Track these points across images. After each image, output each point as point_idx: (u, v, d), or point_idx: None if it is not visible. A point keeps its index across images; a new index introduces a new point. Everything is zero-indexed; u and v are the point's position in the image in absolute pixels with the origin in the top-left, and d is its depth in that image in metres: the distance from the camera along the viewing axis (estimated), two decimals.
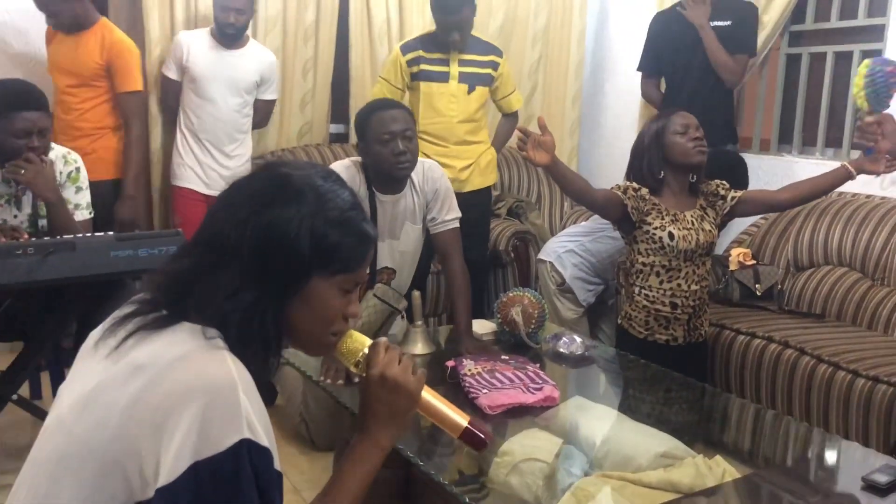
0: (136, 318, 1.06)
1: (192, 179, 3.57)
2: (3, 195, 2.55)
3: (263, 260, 1.05)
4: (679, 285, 2.55)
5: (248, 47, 3.59)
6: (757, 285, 3.16)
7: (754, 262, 3.23)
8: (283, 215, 1.07)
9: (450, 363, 2.25)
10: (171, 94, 3.63)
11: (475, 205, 2.85)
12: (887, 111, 2.29)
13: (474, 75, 3.46)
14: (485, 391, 2.08)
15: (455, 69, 3.43)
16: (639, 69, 3.88)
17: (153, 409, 0.96)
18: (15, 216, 2.58)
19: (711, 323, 2.81)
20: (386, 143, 2.40)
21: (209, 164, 3.56)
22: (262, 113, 3.74)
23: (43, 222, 2.59)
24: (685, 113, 2.57)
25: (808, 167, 3.41)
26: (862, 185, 3.34)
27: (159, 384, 0.97)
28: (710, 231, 2.56)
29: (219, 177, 3.54)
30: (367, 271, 1.17)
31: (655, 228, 2.52)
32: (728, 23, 3.49)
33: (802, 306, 3.16)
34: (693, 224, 2.54)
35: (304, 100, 4.15)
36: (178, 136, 3.60)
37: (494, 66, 3.51)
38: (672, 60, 3.63)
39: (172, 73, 3.60)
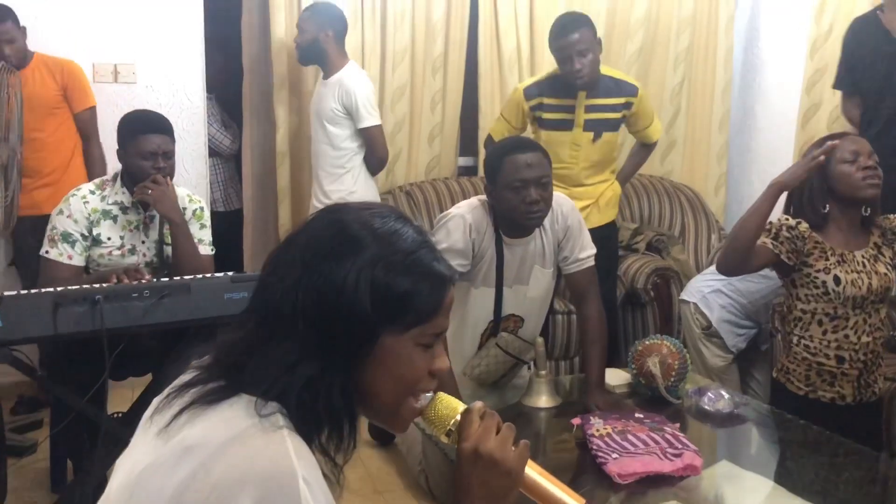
0: (193, 389, 0.94)
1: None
2: (132, 221, 2.61)
3: (321, 325, 0.91)
4: (846, 336, 2.19)
5: (337, 74, 3.39)
6: None
7: None
8: (336, 270, 0.92)
9: (575, 420, 2.03)
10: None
11: (597, 242, 2.59)
12: None
13: (602, 122, 3.14)
14: (615, 456, 1.84)
15: (581, 116, 3.12)
16: (835, 87, 3.37)
17: (202, 501, 0.83)
18: (143, 241, 2.63)
19: (887, 378, 2.42)
20: (518, 191, 2.16)
21: (313, 202, 3.51)
22: (367, 145, 3.42)
23: (168, 250, 2.63)
24: (855, 137, 2.24)
25: None
26: None
27: (209, 472, 0.85)
28: (885, 274, 2.20)
29: (315, 209, 3.49)
30: (448, 318, 0.98)
31: (818, 271, 2.19)
32: None
33: None
34: (864, 266, 2.18)
35: (432, 133, 4.06)
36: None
37: (629, 106, 3.18)
38: (868, 76, 3.13)
39: None
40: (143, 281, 2.34)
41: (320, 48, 3.41)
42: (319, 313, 0.91)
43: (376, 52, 3.87)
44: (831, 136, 2.27)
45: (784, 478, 1.93)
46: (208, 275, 2.43)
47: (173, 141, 2.61)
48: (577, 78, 3.02)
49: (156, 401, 1.02)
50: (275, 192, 3.84)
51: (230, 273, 2.53)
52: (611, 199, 3.31)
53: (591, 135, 3.14)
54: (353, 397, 0.93)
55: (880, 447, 2.27)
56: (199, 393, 0.92)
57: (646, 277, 3.51)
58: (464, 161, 4.25)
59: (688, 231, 4.14)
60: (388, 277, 0.92)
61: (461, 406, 1.03)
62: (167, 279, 2.35)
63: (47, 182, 3.26)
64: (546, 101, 3.15)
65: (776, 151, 4.22)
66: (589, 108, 3.12)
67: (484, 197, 2.34)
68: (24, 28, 3.23)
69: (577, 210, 2.40)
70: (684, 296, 3.19)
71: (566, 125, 3.14)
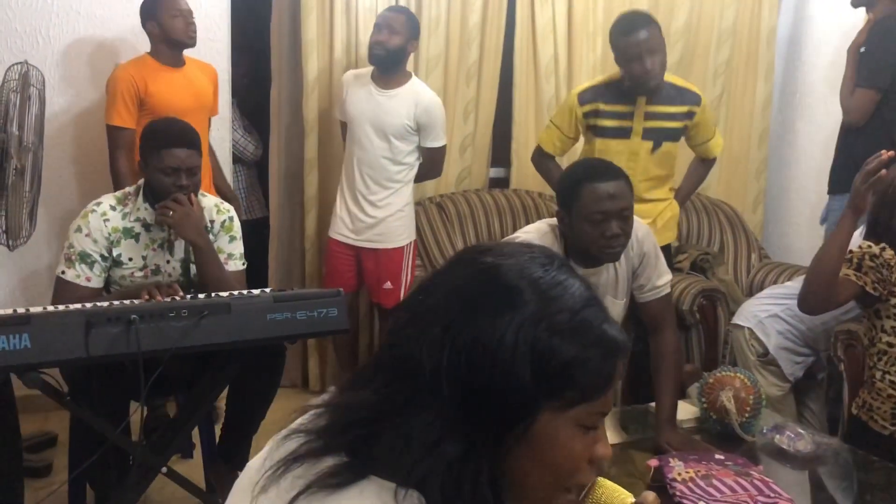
0: (307, 463, 0.77)
1: (340, 229, 3.36)
2: (156, 240, 2.44)
3: (471, 394, 0.75)
4: None
5: (406, 87, 3.25)
6: None
7: None
8: (492, 328, 0.75)
9: (652, 462, 1.86)
10: (343, 137, 3.43)
11: None
12: None
13: (662, 131, 2.96)
14: (702, 503, 1.68)
15: (639, 124, 2.94)
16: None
17: None
18: (168, 261, 2.46)
19: None
20: (597, 224, 1.97)
21: (356, 213, 3.31)
22: (429, 162, 3.36)
23: (196, 268, 2.46)
24: None
25: None
26: None
27: None
28: None
29: (365, 227, 3.31)
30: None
31: None
32: (862, 49, 3.03)
33: None
34: None
35: (464, 143, 3.91)
36: (339, 182, 3.40)
37: (690, 116, 2.99)
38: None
39: (338, 114, 3.44)
40: (178, 298, 2.18)
41: (403, 56, 3.26)
42: (469, 379, 0.74)
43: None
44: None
45: None
46: (247, 292, 2.28)
47: (200, 155, 2.43)
48: (648, 79, 2.84)
49: (253, 465, 0.86)
50: (302, 201, 3.68)
51: (271, 290, 2.37)
52: (670, 219, 3.13)
53: (650, 144, 2.95)
54: (501, 483, 0.77)
55: None
56: (317, 472, 0.75)
57: (692, 299, 3.35)
58: (495, 172, 4.10)
59: (727, 249, 3.99)
60: (553, 341, 0.76)
61: (629, 497, 0.87)
62: (205, 296, 2.19)
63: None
64: (602, 107, 2.96)
65: (817, 169, 4.07)
66: (648, 116, 2.93)
67: (553, 221, 2.15)
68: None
69: (652, 235, 2.22)
70: (738, 320, 3.03)
71: (624, 133, 2.95)
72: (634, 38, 2.82)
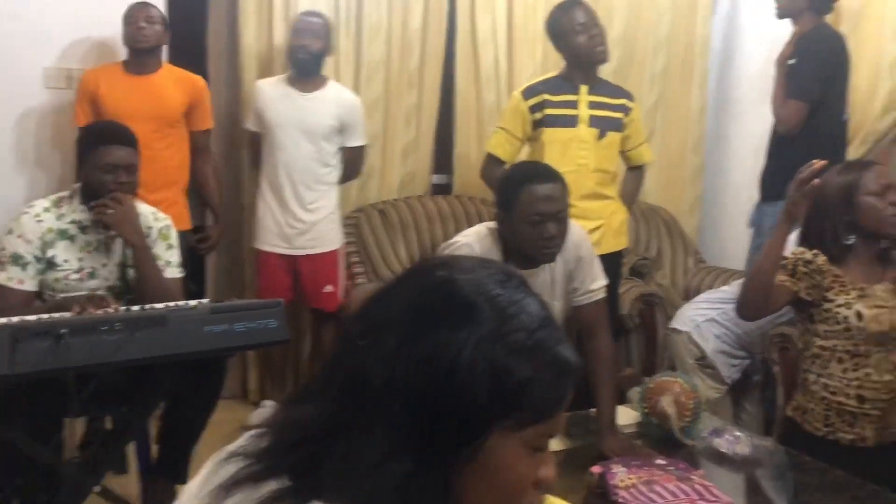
0: (247, 489, 0.74)
1: (271, 240, 3.32)
2: (92, 242, 2.39)
3: (423, 411, 0.73)
4: (868, 375, 2.10)
5: (327, 89, 3.30)
6: None
7: None
8: (449, 343, 0.74)
9: (596, 469, 1.87)
10: (255, 148, 3.39)
11: (605, 271, 2.47)
12: None
13: (605, 119, 3.08)
14: None
15: (585, 112, 3.04)
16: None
17: None
18: (104, 264, 2.41)
19: None
20: (535, 225, 2.01)
21: (288, 220, 3.29)
22: (351, 162, 3.41)
23: (132, 273, 2.42)
24: (883, 168, 2.15)
25: None
26: None
27: None
28: None
29: (299, 233, 3.29)
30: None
31: (839, 306, 2.09)
32: (793, 61, 3.18)
33: None
34: (886, 301, 2.10)
35: (406, 149, 3.90)
36: (258, 193, 3.36)
37: (626, 110, 3.12)
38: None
39: (250, 124, 3.38)
40: (111, 310, 2.11)
41: (324, 59, 3.29)
42: (422, 394, 0.73)
43: (350, 64, 3.70)
44: (858, 163, 2.19)
45: None
46: (183, 303, 2.22)
47: (137, 154, 2.40)
48: (594, 46, 3.00)
49: (192, 488, 0.82)
50: (241, 208, 3.61)
51: (208, 301, 2.32)
52: (622, 222, 3.20)
53: (596, 131, 3.05)
54: None
55: None
56: (258, 499, 0.72)
57: (631, 303, 3.41)
58: (438, 179, 4.10)
59: (664, 255, 4.06)
60: (510, 360, 0.74)
61: None
62: (139, 309, 2.12)
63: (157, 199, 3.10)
64: (548, 97, 3.05)
65: (749, 175, 4.18)
66: (592, 105, 3.05)
67: (492, 224, 2.18)
68: (168, 33, 3.21)
69: (588, 240, 2.26)
70: (676, 325, 3.09)
71: (570, 121, 3.05)
72: (573, 13, 2.99)
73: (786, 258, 2.14)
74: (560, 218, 2.03)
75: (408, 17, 3.75)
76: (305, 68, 3.25)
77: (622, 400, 2.34)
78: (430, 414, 0.73)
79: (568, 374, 0.79)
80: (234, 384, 3.68)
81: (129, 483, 2.68)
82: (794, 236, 2.36)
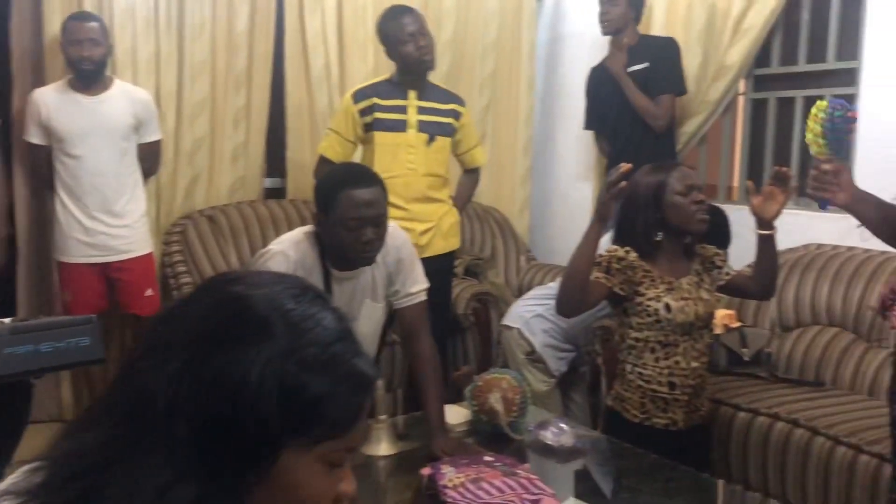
0: None
1: (80, 251, 3.13)
2: None
3: (208, 432, 0.70)
4: (677, 362, 2.25)
5: (115, 88, 3.17)
6: (744, 349, 2.91)
7: (740, 323, 2.98)
8: (237, 361, 0.71)
9: (425, 471, 1.89)
10: (40, 161, 3.18)
11: (437, 272, 2.52)
12: (842, 160, 2.03)
13: (435, 124, 3.13)
14: None
15: (413, 117, 3.08)
16: (585, 128, 3.85)
17: None
18: None
19: (711, 400, 2.53)
20: (353, 230, 2.00)
21: (97, 228, 3.12)
22: (149, 158, 3.30)
23: None
24: (687, 170, 2.30)
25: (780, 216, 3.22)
26: (840, 236, 3.17)
27: None
28: (707, 300, 2.28)
29: (111, 238, 3.15)
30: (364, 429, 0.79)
31: (650, 300, 2.23)
32: (645, 65, 3.42)
33: (794, 371, 2.92)
34: (690, 293, 2.25)
35: (235, 152, 3.78)
36: (57, 205, 3.14)
37: (456, 115, 3.19)
38: (607, 114, 3.59)
39: (36, 138, 3.14)
40: None
41: (107, 62, 3.15)
42: (208, 415, 0.69)
43: (172, 65, 3.54)
44: (665, 165, 2.33)
45: None
46: None
47: None
48: (423, 55, 3.02)
49: None
50: (51, 220, 3.36)
51: (9, 320, 2.13)
52: (453, 224, 3.26)
53: (425, 136, 3.10)
54: None
55: (709, 466, 2.36)
56: None
57: (466, 302, 3.47)
58: (270, 182, 4.00)
59: (498, 254, 4.17)
60: (302, 376, 0.72)
61: None
62: None
63: None
64: (378, 101, 3.07)
65: (574, 176, 4.39)
66: (421, 110, 3.10)
67: (308, 228, 2.16)
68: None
69: (410, 243, 2.27)
70: (507, 321, 3.18)
71: (400, 126, 3.08)
72: (403, 21, 3.01)
73: (600, 256, 2.24)
74: (379, 222, 2.04)
75: (233, 17, 3.64)
76: (91, 77, 3.11)
77: (459, 398, 2.38)
78: (216, 435, 0.70)
79: (365, 387, 0.78)
80: (49, 405, 3.43)
81: None
82: (609, 235, 2.50)
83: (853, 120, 1.96)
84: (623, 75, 3.44)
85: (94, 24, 3.08)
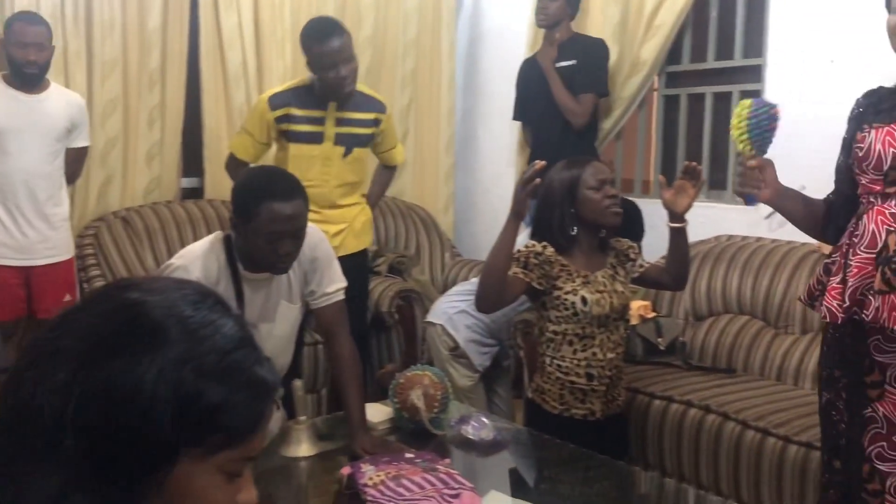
0: None
1: (3, 253, 3.01)
2: None
3: (99, 444, 0.68)
4: (594, 354, 2.30)
5: (53, 89, 3.09)
6: (659, 339, 2.99)
7: (655, 314, 3.06)
8: (130, 370, 0.69)
9: (345, 470, 1.88)
10: None
11: (351, 270, 2.50)
12: (767, 156, 2.10)
13: (353, 137, 3.03)
14: None
15: (331, 129, 2.98)
16: (514, 118, 3.87)
17: None
18: None
19: (627, 389, 2.60)
20: (271, 242, 1.95)
21: (23, 230, 3.01)
22: (75, 163, 3.22)
23: None
24: (600, 165, 2.34)
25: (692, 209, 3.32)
26: (749, 227, 3.29)
27: None
28: (622, 293, 2.34)
29: (37, 242, 3.04)
30: (264, 437, 0.78)
31: (567, 293, 2.27)
32: (573, 62, 3.47)
33: (707, 359, 3.02)
34: (605, 286, 2.30)
35: (150, 152, 3.68)
36: None
37: (377, 123, 3.09)
38: (534, 107, 3.62)
39: None
40: None
41: (50, 64, 3.05)
42: (99, 427, 0.67)
43: (81, 63, 3.43)
44: (579, 160, 2.37)
45: (546, 498, 1.95)
46: None
47: None
48: (343, 86, 2.89)
49: None
50: None
51: None
52: (365, 223, 3.21)
53: (342, 149, 3.01)
54: None
55: (627, 453, 2.42)
56: None
57: (390, 300, 3.47)
58: (188, 182, 3.92)
59: (423, 251, 4.18)
60: (199, 384, 0.71)
61: None
62: None
63: None
64: (294, 111, 2.96)
65: (497, 173, 4.43)
66: (340, 122, 2.99)
67: (217, 235, 2.10)
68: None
69: (326, 242, 2.24)
70: (430, 318, 3.19)
71: (316, 138, 2.98)
72: (329, 47, 2.85)
73: (518, 251, 2.27)
74: (299, 235, 2.00)
75: (144, 13, 3.55)
76: (33, 80, 3.01)
77: (385, 396, 2.38)
78: (109, 446, 0.68)
79: (265, 395, 0.77)
80: None
81: None
82: (527, 232, 2.54)
83: (776, 118, 2.00)
84: (550, 70, 3.47)
85: (41, 29, 3.00)
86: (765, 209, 3.12)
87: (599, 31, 3.69)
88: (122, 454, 0.68)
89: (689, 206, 2.29)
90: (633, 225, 2.92)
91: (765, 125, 1.98)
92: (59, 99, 3.09)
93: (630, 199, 3.43)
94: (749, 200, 2.03)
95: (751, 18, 3.47)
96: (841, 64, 3.05)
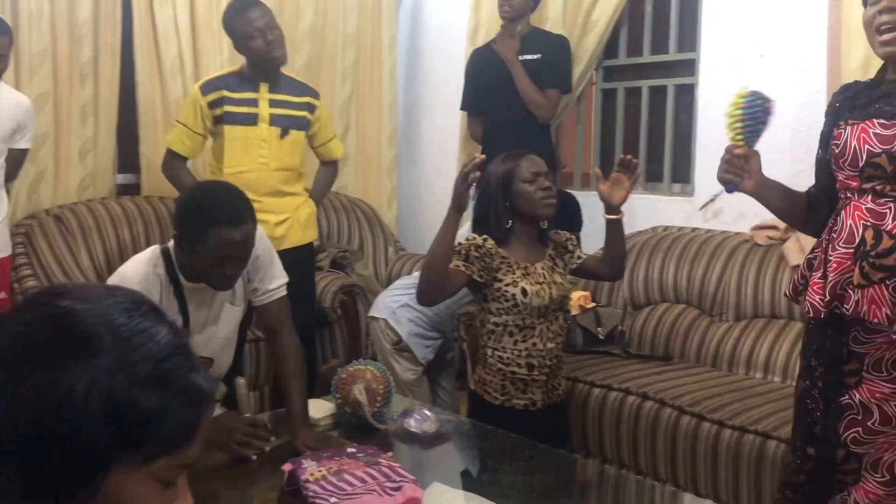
0: None
1: None
2: None
3: (29, 455, 0.67)
4: (534, 344, 2.33)
5: (2, 91, 3.01)
6: (599, 328, 3.04)
7: (594, 304, 3.11)
8: (61, 379, 0.68)
9: (286, 467, 1.87)
10: None
11: (296, 264, 2.48)
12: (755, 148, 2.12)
13: (287, 118, 3.06)
14: (333, 500, 1.73)
15: (265, 111, 3.01)
16: (462, 108, 3.80)
17: None
18: None
19: (567, 378, 2.63)
20: (216, 265, 1.93)
21: None
22: (15, 164, 3.13)
23: None
24: (535, 157, 2.37)
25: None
26: (685, 218, 3.37)
27: None
28: (561, 283, 2.37)
29: None
30: (200, 444, 0.78)
31: (507, 285, 2.29)
32: (537, 56, 3.46)
33: (645, 347, 3.09)
34: (545, 277, 2.34)
35: (84, 148, 3.59)
36: None
37: (311, 108, 3.13)
38: (489, 98, 3.56)
39: None
40: None
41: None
42: (30, 436, 0.66)
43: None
44: (515, 154, 2.39)
45: (489, 488, 1.97)
46: None
47: None
48: (272, 50, 2.93)
49: None
50: None
51: None
52: (309, 216, 3.21)
53: (278, 130, 3.03)
54: None
55: (569, 441, 2.45)
56: None
57: (333, 295, 3.45)
58: (123, 179, 3.83)
59: (366, 245, 4.17)
60: (132, 392, 0.70)
61: None
62: None
63: None
64: (227, 94, 2.97)
65: (441, 166, 4.44)
66: (273, 103, 3.02)
67: (154, 251, 2.06)
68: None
69: (266, 239, 2.21)
70: (373, 312, 3.18)
71: (251, 119, 3.00)
72: (250, 15, 2.91)
73: (459, 244, 2.29)
74: (246, 256, 1.97)
75: (74, 5, 3.46)
76: None
77: (328, 392, 2.36)
78: (40, 455, 0.67)
79: (200, 402, 0.76)
80: None
81: None
82: (468, 225, 2.56)
83: (770, 112, 1.96)
84: (516, 62, 3.43)
85: (4, 39, 2.91)
86: (699, 200, 3.21)
87: (541, 23, 3.71)
88: (54, 463, 0.67)
89: (624, 199, 2.33)
90: (571, 217, 2.97)
91: (759, 118, 1.95)
92: (9, 99, 3.01)
93: (569, 191, 3.49)
94: (729, 189, 2.00)
95: (685, 13, 3.55)
96: (771, 58, 3.14)
